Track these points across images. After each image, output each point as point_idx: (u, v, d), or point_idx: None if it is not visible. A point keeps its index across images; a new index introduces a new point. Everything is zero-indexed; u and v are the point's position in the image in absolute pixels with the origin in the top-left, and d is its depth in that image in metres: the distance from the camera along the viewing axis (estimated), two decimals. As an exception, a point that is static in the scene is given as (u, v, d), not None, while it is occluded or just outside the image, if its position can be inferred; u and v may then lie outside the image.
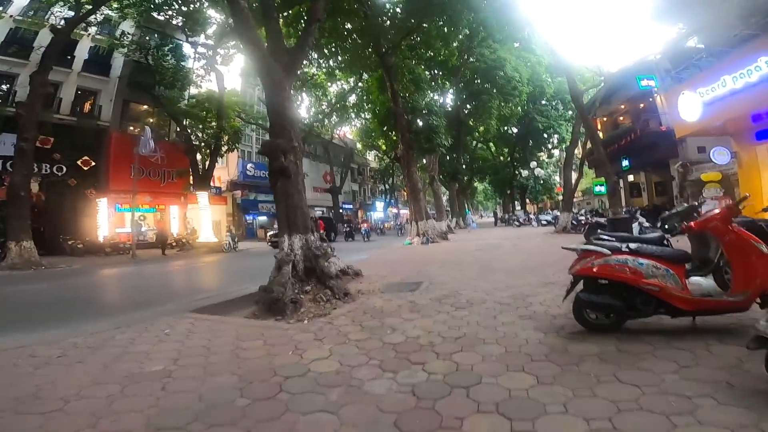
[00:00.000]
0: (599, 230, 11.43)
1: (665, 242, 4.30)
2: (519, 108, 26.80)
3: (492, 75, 22.38)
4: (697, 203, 4.52)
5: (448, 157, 28.94)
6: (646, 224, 10.70)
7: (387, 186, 52.44)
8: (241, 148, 32.76)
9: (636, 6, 45.20)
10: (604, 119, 22.33)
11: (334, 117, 33.92)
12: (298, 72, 10.12)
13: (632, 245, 3.37)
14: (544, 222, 25.47)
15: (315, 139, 36.84)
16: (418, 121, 18.19)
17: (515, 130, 37.18)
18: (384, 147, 32.42)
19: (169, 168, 22.75)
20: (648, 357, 2.83)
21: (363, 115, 30.32)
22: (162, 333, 4.21)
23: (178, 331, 4.28)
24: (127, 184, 18.96)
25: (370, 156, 52.22)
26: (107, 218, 21.34)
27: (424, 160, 23.45)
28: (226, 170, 31.52)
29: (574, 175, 21.12)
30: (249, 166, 31.79)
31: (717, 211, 3.21)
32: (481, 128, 33.68)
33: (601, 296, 3.34)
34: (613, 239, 4.34)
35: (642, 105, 19.15)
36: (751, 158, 10.57)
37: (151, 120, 23.40)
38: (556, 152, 40.05)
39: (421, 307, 4.96)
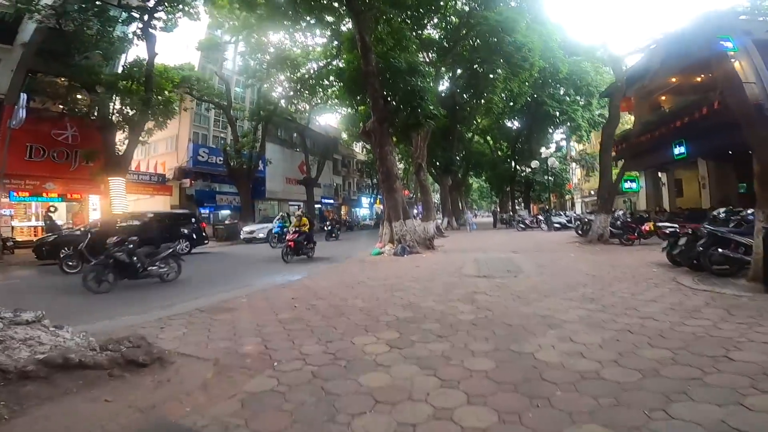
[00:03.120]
0: (719, 249, 6.49)
1: None
2: (527, 85, 21.92)
3: (497, 40, 17.46)
4: None
5: (440, 148, 23.95)
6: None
7: (374, 180, 47.36)
8: (195, 130, 27.66)
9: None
10: (641, 99, 17.29)
11: (313, 100, 28.94)
12: None
13: None
14: (557, 225, 20.42)
15: (287, 123, 31.89)
16: (399, 84, 13.05)
17: (516, 124, 32.49)
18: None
19: (85, 149, 18.14)
20: None
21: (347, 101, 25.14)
22: None
23: None
24: (25, 167, 16.82)
25: (357, 147, 47.24)
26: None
27: (412, 144, 18.17)
28: (175, 155, 26.27)
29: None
30: (202, 150, 26.51)
31: None
32: (481, 120, 28.89)
33: None
34: None
35: (700, 78, 14.36)
36: None
37: (66, 92, 18.84)
38: (563, 144, 35.36)
39: None
